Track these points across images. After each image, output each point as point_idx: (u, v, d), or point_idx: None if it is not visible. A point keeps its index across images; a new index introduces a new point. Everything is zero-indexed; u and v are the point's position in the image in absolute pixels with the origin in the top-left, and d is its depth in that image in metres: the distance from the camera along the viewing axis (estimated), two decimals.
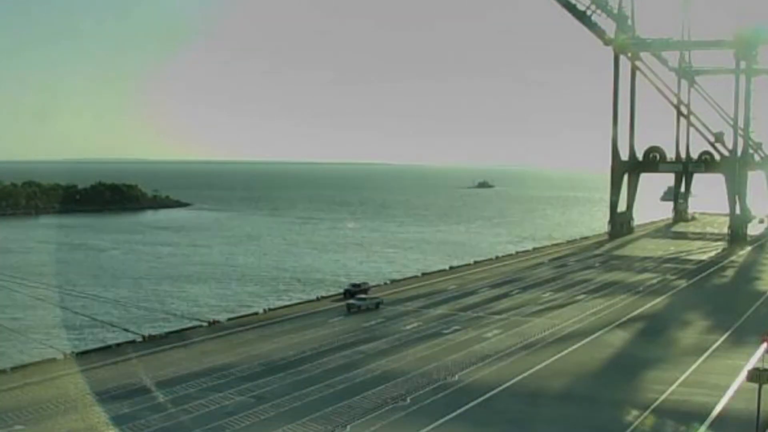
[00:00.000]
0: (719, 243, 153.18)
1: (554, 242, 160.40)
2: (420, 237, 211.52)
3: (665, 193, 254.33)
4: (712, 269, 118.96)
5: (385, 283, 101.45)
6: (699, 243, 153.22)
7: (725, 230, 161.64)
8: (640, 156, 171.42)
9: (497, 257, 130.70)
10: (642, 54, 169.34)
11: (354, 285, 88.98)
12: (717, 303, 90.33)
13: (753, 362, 53.40)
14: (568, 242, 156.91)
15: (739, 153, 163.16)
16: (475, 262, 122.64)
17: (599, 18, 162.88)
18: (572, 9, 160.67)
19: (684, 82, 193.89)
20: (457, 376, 56.16)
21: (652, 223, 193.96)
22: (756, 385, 43.71)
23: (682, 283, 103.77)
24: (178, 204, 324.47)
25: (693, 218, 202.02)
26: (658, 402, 50.73)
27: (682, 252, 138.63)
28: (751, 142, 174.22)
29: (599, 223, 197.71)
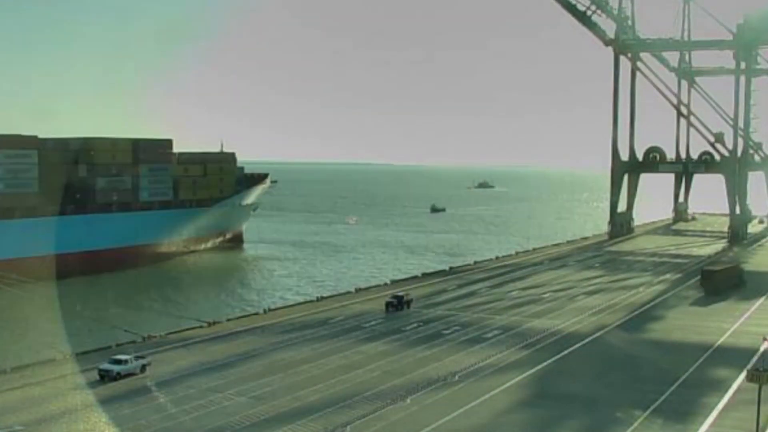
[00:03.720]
0: (719, 243, 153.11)
1: (554, 242, 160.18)
2: (420, 238, 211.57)
3: None
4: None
5: (386, 284, 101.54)
6: (699, 243, 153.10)
7: (725, 230, 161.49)
8: (640, 156, 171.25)
9: (497, 257, 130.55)
10: (642, 54, 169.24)
11: (395, 296, 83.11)
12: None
13: (753, 362, 53.37)
14: (568, 242, 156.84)
15: (739, 153, 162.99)
16: (475, 263, 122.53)
17: (599, 18, 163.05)
18: (572, 9, 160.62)
19: (684, 83, 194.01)
20: None
21: (653, 223, 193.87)
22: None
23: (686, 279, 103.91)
24: None
25: (693, 218, 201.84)
26: None
27: (682, 251, 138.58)
28: (751, 143, 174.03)
29: (599, 224, 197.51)
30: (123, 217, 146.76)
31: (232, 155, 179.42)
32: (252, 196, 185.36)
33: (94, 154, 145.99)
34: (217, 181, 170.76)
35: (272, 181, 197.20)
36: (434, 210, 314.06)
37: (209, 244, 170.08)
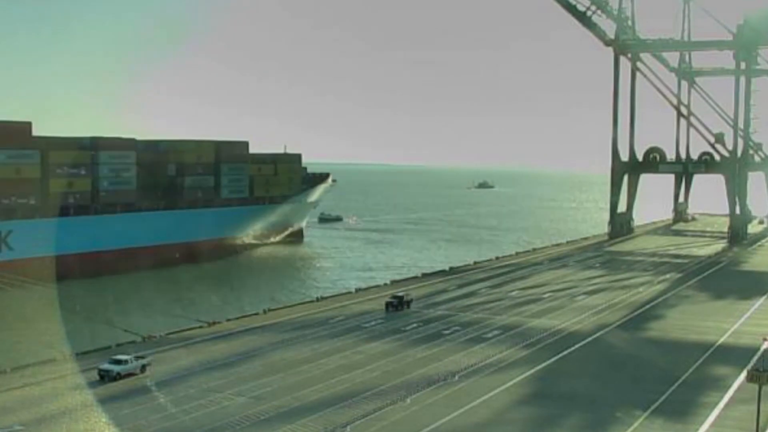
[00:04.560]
0: (719, 243, 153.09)
1: (554, 242, 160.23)
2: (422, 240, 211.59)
3: None
4: (716, 266, 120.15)
5: (386, 284, 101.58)
6: (699, 243, 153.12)
7: (725, 230, 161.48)
8: (640, 156, 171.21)
9: (497, 257, 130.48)
10: (642, 54, 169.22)
11: (395, 297, 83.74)
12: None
13: (753, 363, 53.40)
14: (568, 242, 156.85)
15: (739, 154, 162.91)
16: (475, 263, 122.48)
17: (599, 19, 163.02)
18: (572, 10, 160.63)
19: (684, 83, 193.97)
20: None
21: (653, 223, 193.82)
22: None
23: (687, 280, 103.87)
24: None
25: (693, 219, 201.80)
26: None
27: (682, 251, 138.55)
28: (751, 143, 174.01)
29: (599, 224, 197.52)
30: (207, 212, 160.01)
31: (299, 156, 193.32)
32: (315, 194, 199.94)
33: (182, 155, 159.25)
34: (287, 179, 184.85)
35: (332, 180, 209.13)
36: (324, 219, 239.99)
37: (276, 238, 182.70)
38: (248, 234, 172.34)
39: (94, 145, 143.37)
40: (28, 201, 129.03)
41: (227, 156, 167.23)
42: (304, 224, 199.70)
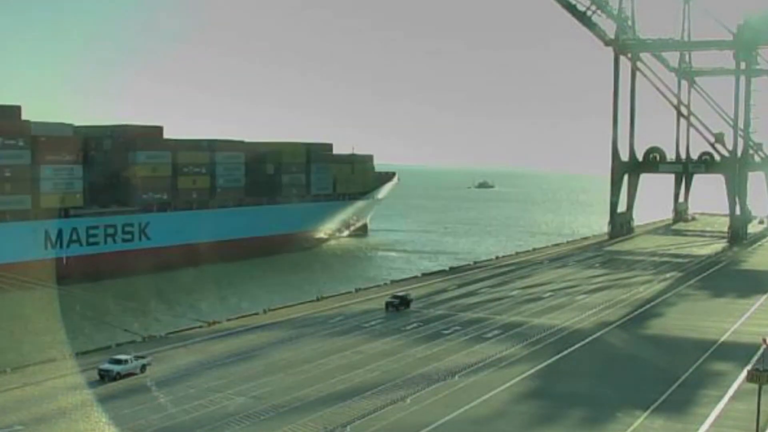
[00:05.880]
0: (719, 243, 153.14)
1: (554, 242, 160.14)
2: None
3: None
4: (716, 266, 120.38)
5: (385, 284, 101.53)
6: (699, 243, 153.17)
7: (725, 230, 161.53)
8: (640, 156, 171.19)
9: (497, 257, 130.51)
10: (642, 54, 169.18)
11: (395, 296, 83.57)
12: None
13: (753, 363, 53.41)
14: (568, 242, 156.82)
15: (739, 153, 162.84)
16: (475, 263, 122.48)
17: (599, 19, 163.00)
18: (572, 9, 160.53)
19: (684, 83, 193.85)
20: None
21: (653, 223, 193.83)
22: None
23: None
24: None
25: (693, 219, 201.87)
26: None
27: (682, 251, 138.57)
28: (751, 143, 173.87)
29: (599, 224, 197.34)
30: (303, 207, 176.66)
31: (371, 156, 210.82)
32: (384, 191, 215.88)
33: (280, 156, 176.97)
34: (362, 178, 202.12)
35: (398, 179, 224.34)
36: None
37: (347, 232, 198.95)
38: (328, 227, 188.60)
39: (212, 146, 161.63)
40: (162, 196, 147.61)
41: (316, 156, 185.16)
42: (368, 219, 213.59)
